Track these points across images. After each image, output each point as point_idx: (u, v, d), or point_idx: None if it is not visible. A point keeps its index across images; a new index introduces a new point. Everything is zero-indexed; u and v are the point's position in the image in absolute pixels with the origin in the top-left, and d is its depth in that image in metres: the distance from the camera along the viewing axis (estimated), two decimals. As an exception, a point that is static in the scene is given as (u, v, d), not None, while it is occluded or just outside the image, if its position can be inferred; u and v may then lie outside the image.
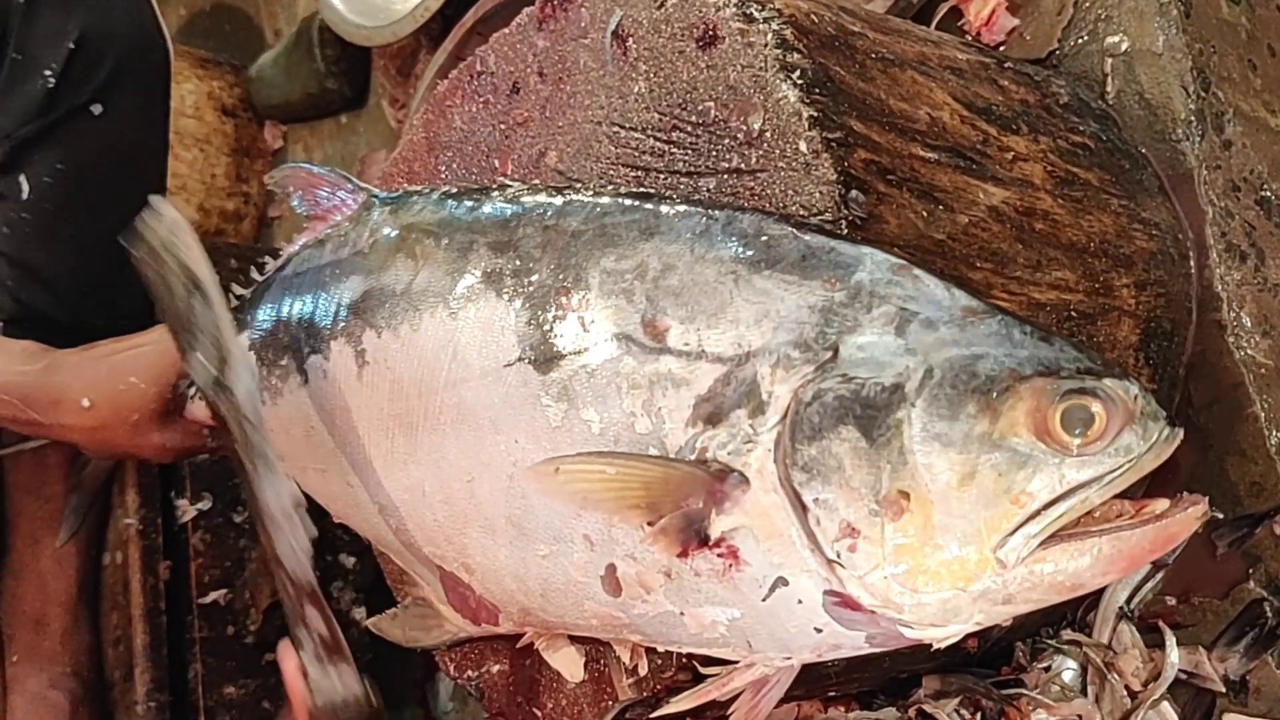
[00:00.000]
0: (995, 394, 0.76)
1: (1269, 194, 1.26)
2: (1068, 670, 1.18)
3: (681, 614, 0.84)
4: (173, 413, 1.26)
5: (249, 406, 0.96)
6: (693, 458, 0.80)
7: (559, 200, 0.90)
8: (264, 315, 1.11)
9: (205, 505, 1.66)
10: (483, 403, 0.88)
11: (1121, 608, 1.19)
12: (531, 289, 0.87)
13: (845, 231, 0.87)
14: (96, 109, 1.39)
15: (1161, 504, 0.76)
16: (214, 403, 0.97)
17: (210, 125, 2.40)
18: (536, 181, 1.03)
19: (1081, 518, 0.76)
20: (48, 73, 1.36)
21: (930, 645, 0.81)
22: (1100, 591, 1.20)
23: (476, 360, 0.89)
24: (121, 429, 1.25)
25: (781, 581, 0.80)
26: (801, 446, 0.77)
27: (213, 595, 1.65)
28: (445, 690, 1.91)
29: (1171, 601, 1.21)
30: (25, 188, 1.37)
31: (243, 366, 0.97)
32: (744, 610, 0.82)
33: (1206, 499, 0.77)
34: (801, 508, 0.77)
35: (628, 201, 0.87)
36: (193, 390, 1.24)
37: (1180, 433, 0.78)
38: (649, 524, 0.81)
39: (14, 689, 1.55)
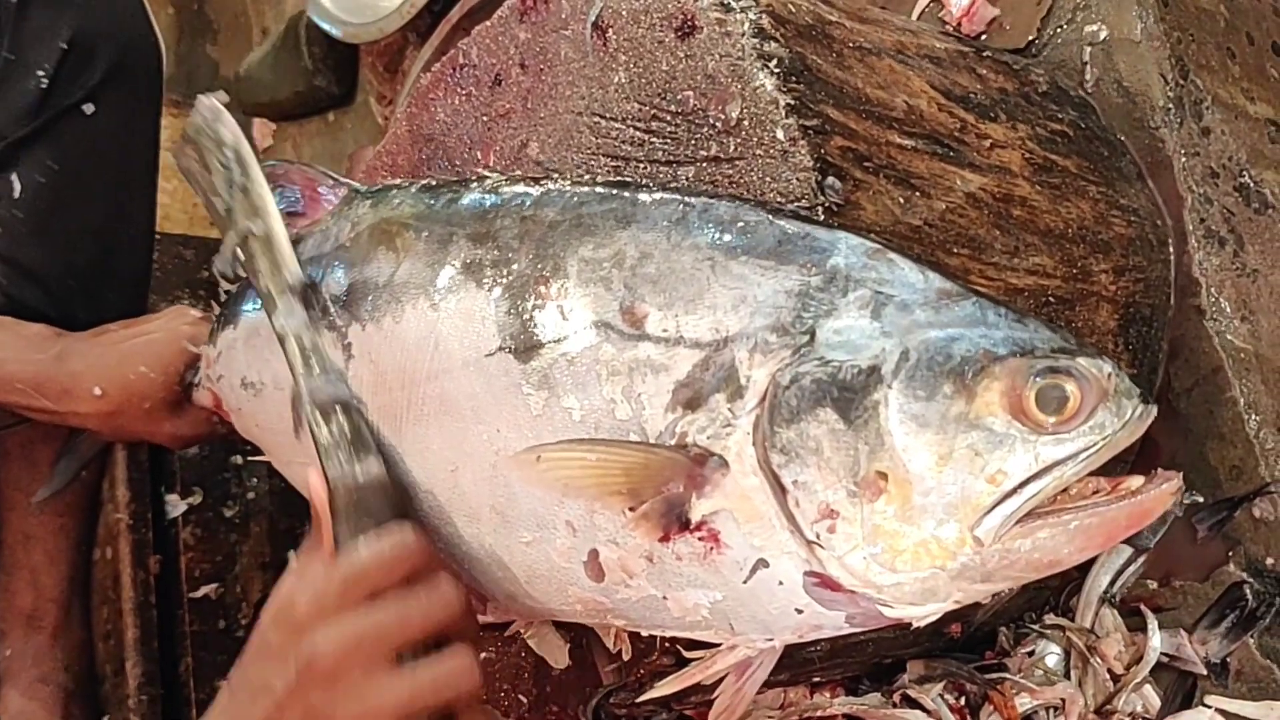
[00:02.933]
0: (971, 375, 0.76)
1: (1247, 180, 1.26)
2: (1051, 654, 1.18)
3: (664, 598, 0.85)
4: (181, 401, 1.27)
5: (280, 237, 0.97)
6: (673, 442, 0.80)
7: (536, 191, 0.90)
8: (249, 311, 1.11)
9: (195, 500, 1.67)
10: (465, 393, 0.89)
11: (1103, 592, 1.20)
12: (511, 279, 0.87)
13: (822, 218, 0.88)
14: (89, 108, 1.39)
15: (1137, 480, 0.77)
16: (242, 253, 0.98)
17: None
18: (515, 172, 1.03)
19: (1058, 495, 0.76)
20: (40, 73, 1.36)
21: (910, 624, 0.82)
22: (1082, 576, 1.21)
23: (458, 350, 0.89)
24: (134, 415, 1.26)
25: (762, 563, 0.80)
26: (780, 429, 0.77)
27: (203, 590, 1.66)
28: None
29: (1153, 585, 1.21)
30: (17, 186, 1.37)
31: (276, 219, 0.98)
32: (726, 593, 0.83)
33: (1180, 474, 0.77)
34: (781, 490, 0.78)
35: (604, 191, 0.87)
36: (198, 379, 1.25)
37: (1154, 409, 0.79)
38: (630, 509, 0.81)
39: (7, 683, 1.55)
